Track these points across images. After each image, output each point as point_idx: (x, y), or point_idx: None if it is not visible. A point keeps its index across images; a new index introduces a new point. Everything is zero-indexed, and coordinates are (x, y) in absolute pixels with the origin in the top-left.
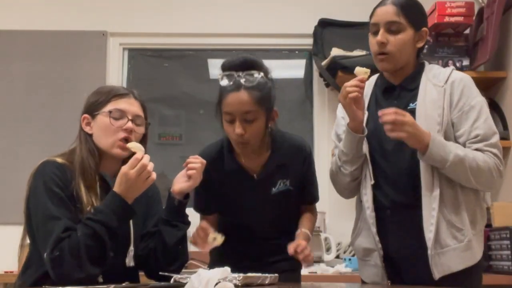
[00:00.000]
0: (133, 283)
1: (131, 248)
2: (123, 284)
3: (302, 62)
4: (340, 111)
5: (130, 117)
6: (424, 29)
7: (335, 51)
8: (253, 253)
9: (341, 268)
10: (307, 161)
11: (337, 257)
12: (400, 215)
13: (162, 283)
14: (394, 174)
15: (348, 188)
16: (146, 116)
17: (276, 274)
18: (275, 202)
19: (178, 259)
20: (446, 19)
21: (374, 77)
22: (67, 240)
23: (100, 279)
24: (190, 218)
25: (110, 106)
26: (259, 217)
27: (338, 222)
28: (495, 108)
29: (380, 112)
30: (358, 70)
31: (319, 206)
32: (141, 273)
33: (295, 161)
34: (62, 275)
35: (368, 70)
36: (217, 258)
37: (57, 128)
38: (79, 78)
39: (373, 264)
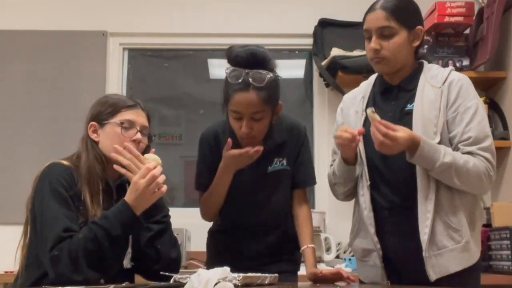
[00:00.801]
0: (133, 283)
1: (129, 250)
2: (123, 284)
3: (302, 62)
4: (339, 116)
5: (138, 128)
6: (419, 27)
7: (335, 51)
8: (250, 252)
9: (341, 267)
10: (302, 139)
11: (337, 257)
12: (398, 216)
13: (162, 283)
14: (391, 176)
15: (343, 197)
16: (150, 127)
17: (276, 274)
18: (270, 180)
19: (159, 258)
20: (446, 19)
21: (373, 77)
22: (68, 240)
23: (102, 281)
24: (189, 218)
25: (120, 117)
26: (253, 197)
27: (338, 222)
28: (495, 108)
29: (372, 130)
30: (371, 115)
31: (319, 206)
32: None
33: (291, 139)
34: (59, 275)
35: (376, 116)
36: (214, 258)
37: (57, 128)
38: (79, 78)
39: (372, 264)
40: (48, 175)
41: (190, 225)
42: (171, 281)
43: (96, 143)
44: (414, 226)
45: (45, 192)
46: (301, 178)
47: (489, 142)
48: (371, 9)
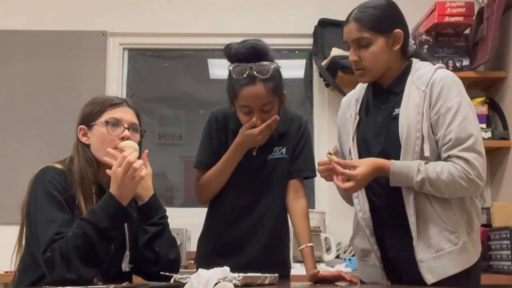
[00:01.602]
0: (133, 284)
1: (127, 253)
2: (123, 284)
3: (302, 62)
4: (339, 121)
5: (126, 126)
6: (396, 31)
7: (335, 51)
8: (241, 259)
9: (341, 268)
10: (302, 130)
11: (337, 257)
12: (395, 217)
13: (162, 283)
14: (383, 178)
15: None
16: (140, 123)
17: (276, 274)
18: (268, 167)
19: (158, 259)
20: (446, 19)
21: None
22: (59, 241)
23: (98, 282)
24: (189, 218)
25: (105, 116)
26: (250, 182)
27: (338, 222)
28: (495, 108)
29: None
30: (329, 157)
31: (319, 206)
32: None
33: (292, 129)
34: (55, 276)
35: (333, 157)
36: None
37: (57, 128)
38: (79, 78)
39: (372, 264)
40: (42, 178)
41: (190, 225)
42: (171, 281)
43: (87, 146)
44: (408, 228)
45: (39, 195)
46: (297, 167)
47: (472, 140)
48: (346, 21)
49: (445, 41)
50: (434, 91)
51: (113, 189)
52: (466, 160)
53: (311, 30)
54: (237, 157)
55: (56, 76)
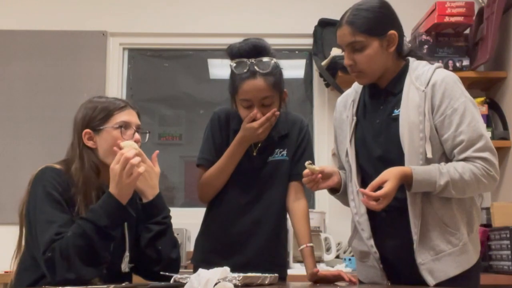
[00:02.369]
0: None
1: (126, 254)
2: (123, 284)
3: (302, 62)
4: (335, 122)
5: (135, 128)
6: (390, 32)
7: (335, 51)
8: (238, 259)
9: (341, 268)
10: (304, 133)
11: (337, 257)
12: (394, 219)
13: (162, 283)
14: None
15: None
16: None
17: (276, 274)
18: (268, 169)
19: (160, 258)
20: (446, 19)
21: None
22: (59, 241)
23: (97, 282)
24: (189, 218)
25: (115, 120)
26: (250, 183)
27: (338, 222)
28: (495, 108)
29: (363, 199)
30: (309, 167)
31: (319, 206)
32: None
33: (293, 131)
34: (56, 276)
35: (314, 167)
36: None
37: (57, 128)
38: (79, 78)
39: (371, 265)
40: (42, 179)
41: (190, 225)
42: (171, 281)
43: (92, 150)
44: (408, 230)
45: (39, 196)
46: (298, 170)
47: (484, 140)
48: (339, 24)
49: (445, 41)
50: (436, 93)
51: (112, 187)
52: (484, 159)
53: (311, 30)
54: (239, 152)
55: (56, 76)
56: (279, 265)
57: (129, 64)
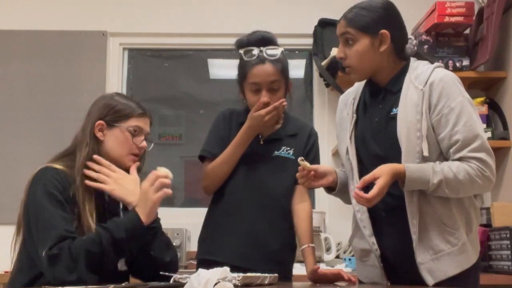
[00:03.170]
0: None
1: None
2: (123, 284)
3: (302, 62)
4: (337, 119)
5: (144, 136)
6: (382, 31)
7: (335, 51)
8: (242, 257)
9: (341, 268)
10: (312, 138)
11: (337, 257)
12: (394, 217)
13: (162, 283)
14: None
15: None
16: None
17: (276, 274)
18: (273, 163)
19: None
20: (446, 19)
21: None
22: (69, 241)
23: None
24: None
25: (131, 122)
26: (253, 177)
27: (338, 222)
28: (495, 108)
29: (354, 195)
30: (302, 163)
31: (319, 206)
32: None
33: (302, 134)
34: (55, 274)
35: (306, 164)
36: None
37: (57, 128)
38: (79, 78)
39: (371, 264)
40: (42, 178)
41: (190, 225)
42: (171, 281)
43: (98, 141)
44: (408, 229)
45: (39, 195)
46: None
47: (480, 141)
48: (339, 19)
49: (445, 41)
50: (434, 91)
51: (138, 203)
52: (479, 159)
53: (311, 30)
54: (245, 141)
55: (56, 76)
56: (284, 264)
57: (129, 64)
